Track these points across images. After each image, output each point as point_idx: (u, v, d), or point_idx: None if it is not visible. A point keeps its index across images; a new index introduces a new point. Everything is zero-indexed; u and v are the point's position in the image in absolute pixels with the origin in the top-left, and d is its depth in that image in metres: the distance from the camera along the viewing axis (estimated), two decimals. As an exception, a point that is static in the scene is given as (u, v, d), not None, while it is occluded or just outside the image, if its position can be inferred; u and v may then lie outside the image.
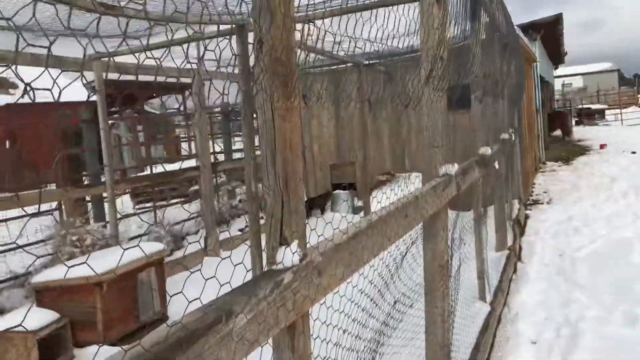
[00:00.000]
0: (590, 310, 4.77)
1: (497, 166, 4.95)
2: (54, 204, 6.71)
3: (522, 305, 5.22)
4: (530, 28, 14.62)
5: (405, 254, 2.39)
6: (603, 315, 4.63)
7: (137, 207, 10.98)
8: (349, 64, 8.53)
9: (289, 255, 1.37)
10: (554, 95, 31.55)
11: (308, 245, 1.52)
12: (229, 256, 1.35)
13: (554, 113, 24.30)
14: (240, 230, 8.60)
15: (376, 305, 2.05)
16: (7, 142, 18.29)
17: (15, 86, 21.04)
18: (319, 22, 2.24)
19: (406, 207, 2.17)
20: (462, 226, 4.06)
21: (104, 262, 4.94)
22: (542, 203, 10.35)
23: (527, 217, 9.25)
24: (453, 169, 2.95)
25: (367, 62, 8.46)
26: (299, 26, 1.53)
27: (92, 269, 4.41)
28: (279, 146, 1.42)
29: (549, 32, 16.12)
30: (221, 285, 1.27)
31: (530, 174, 12.08)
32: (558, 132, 24.04)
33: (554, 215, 9.03)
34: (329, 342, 1.59)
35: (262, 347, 1.21)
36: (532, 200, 10.72)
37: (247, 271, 1.41)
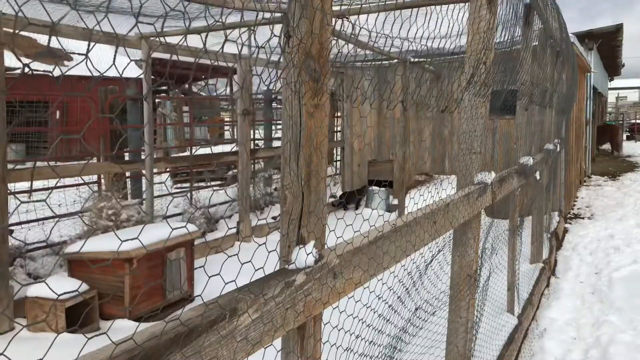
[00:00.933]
0: (624, 334, 4.59)
1: (538, 177, 4.80)
2: (95, 177, 6.86)
3: (552, 321, 5.07)
4: (587, 37, 14.14)
5: (431, 261, 2.32)
6: (637, 341, 4.45)
7: (175, 186, 11.15)
8: (394, 61, 8.41)
9: (303, 256, 1.34)
10: (606, 108, 30.58)
11: (326, 246, 1.49)
12: (264, 243, 1.32)
13: (604, 126, 23.55)
14: (274, 218, 8.62)
15: (395, 312, 2.00)
16: (58, 113, 18.80)
17: (70, 58, 21.59)
18: (353, 18, 2.19)
19: (435, 213, 2.11)
20: (495, 235, 3.95)
21: (137, 239, 5.02)
22: (584, 218, 10.05)
23: (566, 230, 9.00)
24: (490, 177, 2.86)
25: (414, 59, 8.32)
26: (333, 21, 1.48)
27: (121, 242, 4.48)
28: (304, 143, 1.38)
29: (607, 42, 15.59)
30: (255, 270, 1.25)
31: (574, 187, 11.73)
32: (607, 146, 23.30)
33: (595, 232, 8.75)
34: (339, 346, 1.55)
35: (265, 348, 1.19)
36: (573, 214, 10.42)
37: (278, 261, 1.38)
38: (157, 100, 15.50)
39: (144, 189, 7.33)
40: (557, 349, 4.52)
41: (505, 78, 3.25)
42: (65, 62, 21.67)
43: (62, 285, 4.65)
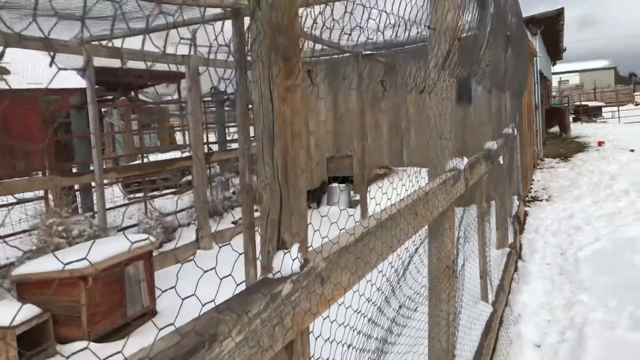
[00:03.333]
0: (596, 313, 4.58)
1: (502, 161, 4.75)
2: (41, 193, 6.47)
3: (525, 306, 5.04)
4: (530, 22, 14.39)
5: (413, 255, 2.18)
6: (610, 318, 4.45)
7: (128, 197, 10.74)
8: (346, 54, 8.29)
9: (288, 262, 1.16)
10: (551, 92, 31.43)
11: (311, 248, 1.31)
12: (224, 246, 1.13)
13: (551, 109, 24.14)
14: (234, 222, 8.38)
15: (382, 313, 1.85)
16: (-3, 129, 17.94)
17: (6, 72, 20.67)
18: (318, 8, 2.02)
19: (416, 204, 1.96)
20: (467, 222, 3.86)
21: (90, 254, 4.72)
22: (542, 200, 10.18)
23: (526, 214, 9.08)
24: (462, 163, 2.74)
25: (366, 52, 8.22)
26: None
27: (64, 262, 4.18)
28: (278, 132, 1.20)
29: (550, 26, 15.92)
30: (221, 279, 1.06)
31: (530, 170, 11.91)
32: (555, 129, 23.90)
33: (554, 213, 8.86)
34: (330, 360, 1.37)
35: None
36: (531, 197, 10.55)
37: (231, 276, 1.20)
38: (103, 109, 14.97)
39: (94, 201, 6.98)
40: (533, 333, 4.47)
41: (472, 60, 3.14)
42: (4, 76, 20.76)
43: (11, 311, 4.33)
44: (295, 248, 1.19)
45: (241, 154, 5.17)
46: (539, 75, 15.30)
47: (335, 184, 10.22)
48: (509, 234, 6.51)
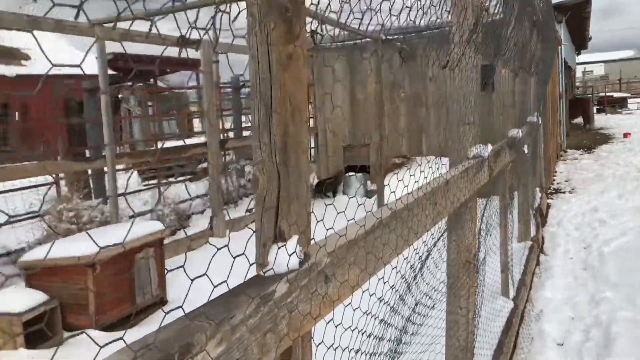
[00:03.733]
0: (624, 311, 4.36)
1: (526, 150, 4.53)
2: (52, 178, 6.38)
3: (547, 302, 4.83)
4: (556, 9, 13.99)
5: (432, 249, 2.01)
6: (639, 317, 4.22)
7: (143, 183, 10.68)
8: (365, 40, 8.07)
9: (284, 257, 0.99)
10: (575, 82, 30.78)
11: (313, 241, 1.14)
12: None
13: (575, 100, 23.62)
14: (249, 210, 8.24)
15: (396, 312, 1.68)
16: (17, 114, 18.03)
17: (27, 57, 20.73)
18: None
19: (435, 193, 1.78)
20: (489, 214, 3.67)
21: (99, 241, 4.61)
22: (564, 192, 9.89)
23: (548, 206, 8.82)
24: (486, 150, 2.54)
25: (385, 37, 7.99)
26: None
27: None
28: (277, 105, 1.03)
29: (576, 14, 15.47)
30: (234, 258, 0.90)
31: (552, 161, 11.60)
32: (579, 120, 23.38)
33: (578, 206, 8.58)
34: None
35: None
36: (554, 189, 10.26)
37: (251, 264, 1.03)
38: (119, 95, 14.92)
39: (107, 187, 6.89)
40: (556, 331, 4.27)
41: (499, 42, 2.93)
42: (23, 62, 20.81)
43: (19, 298, 4.24)
44: (293, 241, 1.03)
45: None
46: (563, 64, 14.90)
47: (351, 174, 10.04)
48: (531, 226, 6.29)
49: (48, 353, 4.08)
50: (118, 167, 6.91)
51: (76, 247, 4.44)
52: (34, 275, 4.53)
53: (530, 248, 5.86)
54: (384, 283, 1.37)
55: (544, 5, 7.64)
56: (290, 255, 1.01)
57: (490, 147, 2.61)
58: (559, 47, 13.97)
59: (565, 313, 4.58)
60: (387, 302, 1.45)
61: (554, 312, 4.59)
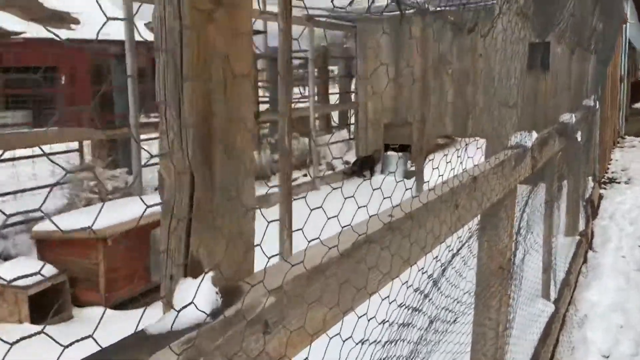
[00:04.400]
0: (682, 323, 3.88)
1: (579, 138, 4.04)
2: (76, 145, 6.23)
3: (593, 306, 4.38)
4: (623, -16, 12.98)
5: (453, 257, 1.65)
6: (699, 332, 3.74)
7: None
8: (411, 11, 7.57)
9: (191, 297, 0.65)
10: (638, 64, 29.08)
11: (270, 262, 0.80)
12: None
13: (638, 83, 22.27)
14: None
15: (401, 339, 1.33)
16: (64, 78, 18.19)
17: (77, 21, 20.83)
18: None
19: (456, 194, 1.41)
20: (532, 209, 3.25)
21: (116, 214, 4.40)
22: (619, 182, 9.22)
23: (601, 197, 8.20)
24: (530, 138, 2.13)
25: (433, 8, 7.45)
26: None
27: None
28: (191, 70, 0.68)
29: (645, -10, 14.35)
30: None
31: (608, 149, 10.85)
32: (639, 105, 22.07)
33: (634, 198, 7.94)
34: None
35: None
36: (608, 178, 9.58)
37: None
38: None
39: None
40: (601, 340, 3.83)
41: (550, 13, 2.48)
42: (72, 26, 20.96)
43: (27, 270, 4.08)
44: (209, 276, 0.69)
45: (281, 114, 4.68)
46: (627, 45, 13.90)
47: (391, 152, 9.61)
48: (580, 219, 5.77)
49: (54, 329, 3.92)
50: (146, 136, 6.71)
51: (91, 219, 4.24)
52: (46, 247, 4.37)
53: (577, 243, 5.37)
54: (389, 303, 1.02)
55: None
56: (204, 295, 0.67)
57: (534, 135, 2.20)
58: (624, 25, 13.01)
59: (613, 320, 4.12)
60: (392, 322, 1.11)
61: (600, 319, 4.14)
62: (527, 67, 2.41)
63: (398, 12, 8.46)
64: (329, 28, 8.81)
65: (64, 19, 20.78)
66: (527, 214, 3.01)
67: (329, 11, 8.98)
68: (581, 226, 5.79)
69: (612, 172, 10.03)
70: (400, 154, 9.56)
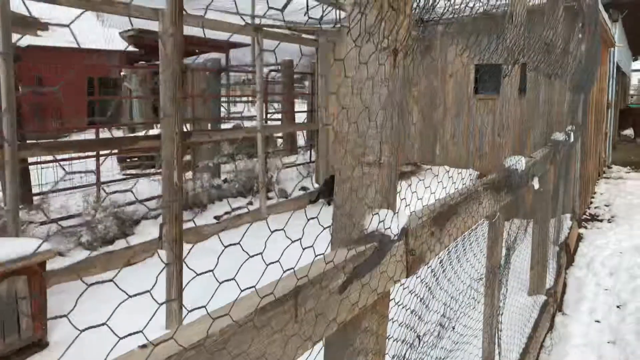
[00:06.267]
0: None
1: (535, 185, 3.12)
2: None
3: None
4: (611, 5, 12.22)
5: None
6: None
7: (123, 172, 9.58)
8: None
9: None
10: (629, 90, 28.46)
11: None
12: None
13: (627, 109, 21.53)
14: (217, 217, 7.01)
15: None
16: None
17: (45, 28, 19.90)
18: None
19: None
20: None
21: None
22: (602, 220, 8.32)
23: (580, 238, 7.29)
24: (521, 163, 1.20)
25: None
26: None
27: None
28: None
29: (634, 13, 13.60)
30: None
31: (591, 181, 9.97)
32: (629, 132, 21.32)
33: (616, 240, 7.05)
34: None
35: None
36: (590, 215, 8.69)
37: None
38: (122, 73, 13.89)
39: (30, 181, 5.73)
40: None
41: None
42: (39, 33, 20.00)
43: None
44: None
45: (164, 139, 3.75)
46: (615, 69, 13.12)
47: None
48: (547, 273, 4.85)
49: None
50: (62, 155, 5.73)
51: None
52: None
53: (543, 305, 4.44)
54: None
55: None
56: None
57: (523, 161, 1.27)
58: (611, 49, 12.24)
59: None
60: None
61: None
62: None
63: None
64: (285, 40, 7.92)
65: (29, 24, 19.87)
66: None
67: (287, 22, 8.12)
68: (549, 281, 4.87)
69: (595, 208, 9.14)
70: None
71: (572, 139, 5.13)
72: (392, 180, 1.36)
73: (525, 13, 2.63)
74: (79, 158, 6.42)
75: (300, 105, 12.96)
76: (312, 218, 1.09)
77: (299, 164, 9.70)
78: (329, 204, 9.03)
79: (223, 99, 12.29)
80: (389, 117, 1.32)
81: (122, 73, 13.51)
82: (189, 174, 7.21)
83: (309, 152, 10.37)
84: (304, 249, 1.07)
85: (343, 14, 6.57)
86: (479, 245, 2.71)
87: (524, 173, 2.73)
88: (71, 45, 19.16)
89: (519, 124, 7.49)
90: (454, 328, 2.36)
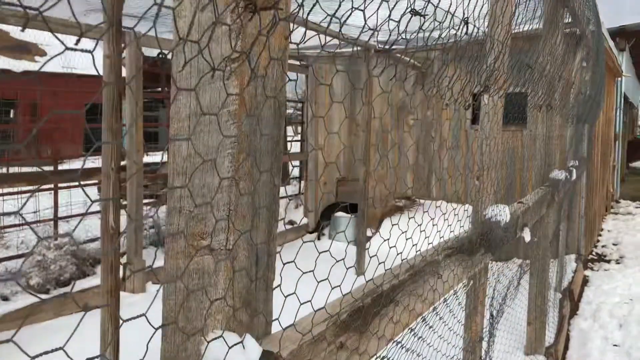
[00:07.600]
0: None
1: (527, 237, 2.60)
2: None
3: None
4: (618, 35, 11.79)
5: None
6: None
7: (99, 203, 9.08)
8: (357, 48, 6.25)
9: None
10: (637, 121, 27.93)
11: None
12: None
13: (635, 141, 21.00)
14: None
15: None
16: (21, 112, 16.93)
17: (43, 53, 19.69)
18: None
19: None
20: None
21: None
22: (610, 261, 7.73)
23: (585, 281, 6.71)
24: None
25: (381, 46, 6.14)
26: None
27: None
28: None
29: (642, 42, 13.18)
30: None
31: (598, 218, 9.40)
32: (638, 164, 20.74)
33: (626, 285, 6.46)
34: None
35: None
36: (596, 254, 8.10)
37: None
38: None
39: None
40: None
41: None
42: (37, 58, 19.80)
43: None
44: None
45: (104, 176, 3.26)
46: (622, 99, 12.63)
47: (341, 213, 8.18)
48: (547, 329, 4.28)
49: None
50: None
51: None
52: None
53: (541, 368, 3.87)
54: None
55: (594, 19, 5.65)
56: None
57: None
58: (618, 79, 11.78)
59: None
60: None
61: None
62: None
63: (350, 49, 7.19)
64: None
65: (28, 50, 19.73)
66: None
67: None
68: (549, 338, 4.31)
69: (602, 247, 8.55)
70: (351, 215, 8.13)
71: (574, 177, 4.61)
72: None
73: (507, 37, 2.15)
74: (31, 192, 5.95)
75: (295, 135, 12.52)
76: None
77: (289, 196, 9.21)
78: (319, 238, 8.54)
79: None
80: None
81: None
82: (151, 207, 6.72)
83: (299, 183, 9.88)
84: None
85: (329, 39, 6.13)
86: (456, 316, 2.18)
87: (510, 224, 2.21)
88: (67, 70, 18.93)
89: (501, 163, 6.99)
90: None
